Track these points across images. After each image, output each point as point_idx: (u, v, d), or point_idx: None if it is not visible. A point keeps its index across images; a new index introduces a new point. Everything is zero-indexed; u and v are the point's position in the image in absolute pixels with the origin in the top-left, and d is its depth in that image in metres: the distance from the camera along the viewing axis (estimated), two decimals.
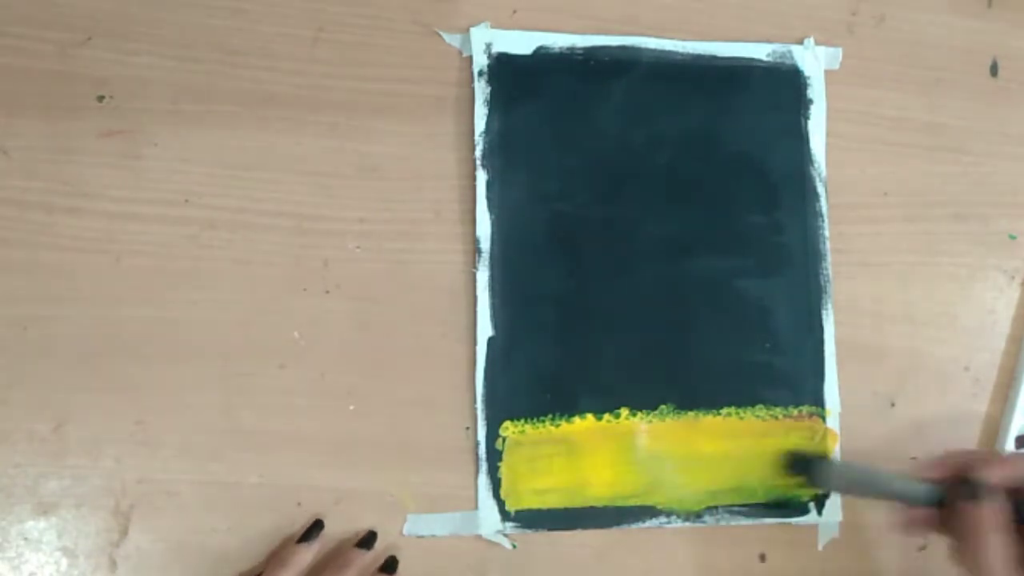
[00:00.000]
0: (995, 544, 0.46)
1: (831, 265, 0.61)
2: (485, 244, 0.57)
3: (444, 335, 0.57)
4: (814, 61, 0.62)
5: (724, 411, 0.58)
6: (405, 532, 0.55)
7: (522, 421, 0.56)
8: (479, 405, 0.56)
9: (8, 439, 0.52)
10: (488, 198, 0.57)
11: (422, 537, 0.55)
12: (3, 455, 0.52)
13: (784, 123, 0.61)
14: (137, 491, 0.53)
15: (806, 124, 0.62)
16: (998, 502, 0.47)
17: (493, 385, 0.56)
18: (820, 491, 0.58)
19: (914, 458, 0.60)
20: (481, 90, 0.58)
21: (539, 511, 0.56)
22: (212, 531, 0.53)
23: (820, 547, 0.59)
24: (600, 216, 0.59)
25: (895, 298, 0.62)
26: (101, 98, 0.55)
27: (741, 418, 0.58)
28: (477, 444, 0.56)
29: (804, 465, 0.57)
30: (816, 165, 0.61)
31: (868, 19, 0.64)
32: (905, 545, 0.60)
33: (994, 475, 0.48)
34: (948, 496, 0.50)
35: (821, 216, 0.61)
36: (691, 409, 0.58)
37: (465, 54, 0.59)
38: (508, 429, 0.56)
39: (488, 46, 0.58)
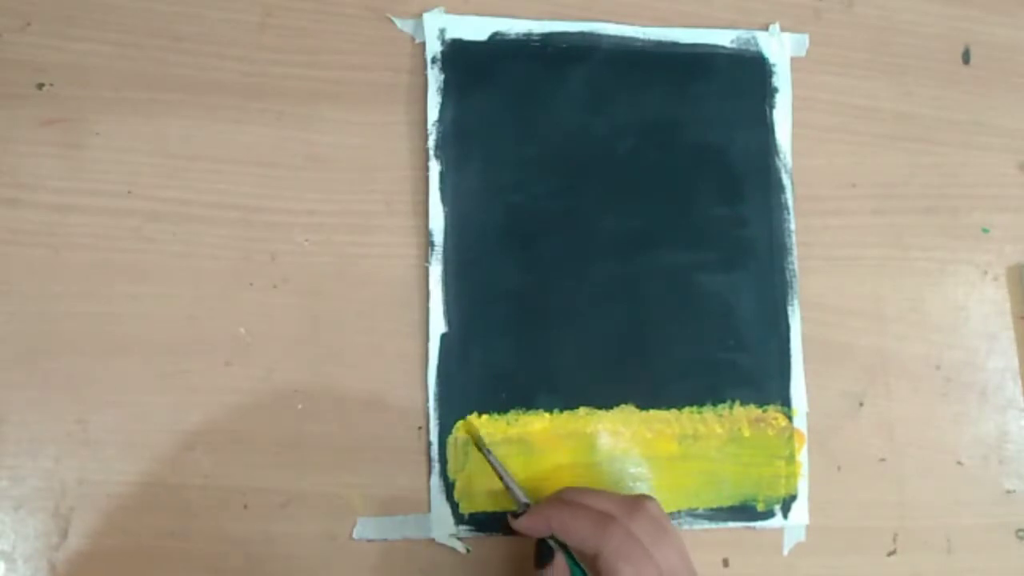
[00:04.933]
0: None
1: (797, 259, 0.65)
2: (438, 237, 0.61)
3: (396, 331, 0.60)
4: (779, 48, 0.66)
5: (686, 410, 0.62)
6: (355, 536, 0.58)
7: (477, 420, 0.60)
8: (432, 404, 0.59)
9: None
10: (441, 190, 0.61)
11: (373, 541, 0.58)
12: None
13: (749, 112, 0.66)
14: (77, 492, 0.56)
15: (771, 113, 0.66)
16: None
17: (446, 383, 0.60)
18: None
19: (883, 460, 0.65)
20: (434, 78, 0.62)
21: (494, 514, 0.59)
22: (155, 534, 0.56)
23: (785, 552, 0.63)
24: (558, 208, 0.62)
25: (863, 294, 0.66)
26: (41, 85, 0.59)
27: (704, 418, 0.62)
28: (430, 444, 0.59)
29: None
30: (782, 156, 0.66)
31: (836, 4, 0.68)
32: (872, 550, 0.64)
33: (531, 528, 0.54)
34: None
35: (787, 208, 0.65)
36: (652, 408, 0.62)
37: (418, 40, 0.62)
38: (462, 429, 0.60)
39: (442, 32, 0.62)
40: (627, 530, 0.50)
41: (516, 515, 0.55)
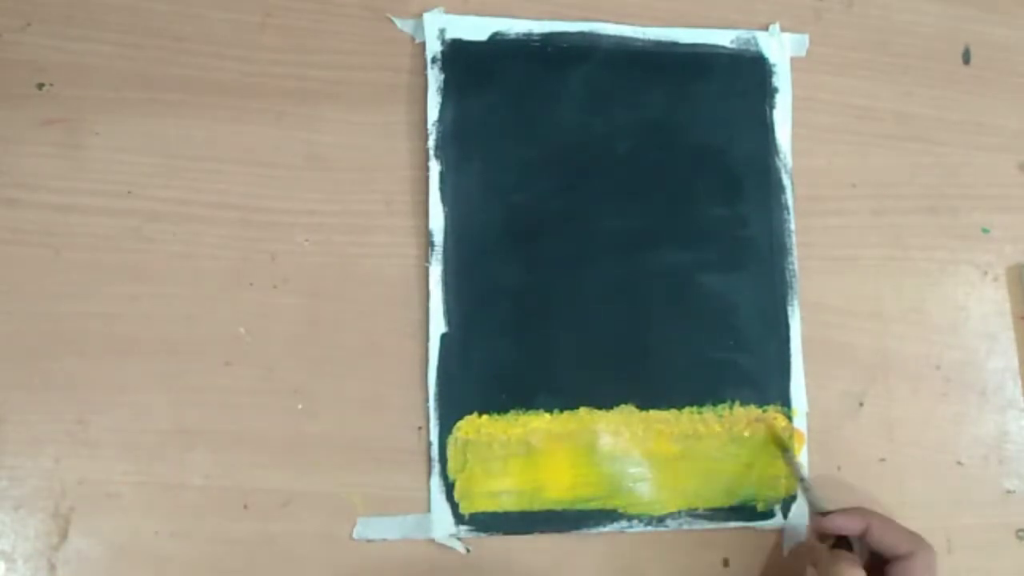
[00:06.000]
0: None
1: (797, 260, 0.66)
2: (438, 237, 0.62)
3: (396, 331, 0.61)
4: (779, 48, 0.67)
5: (687, 410, 0.63)
6: (355, 536, 0.59)
7: (477, 420, 0.61)
8: (432, 404, 0.60)
9: None
10: (441, 190, 0.62)
11: (372, 541, 0.59)
12: None
13: (749, 112, 0.67)
14: (77, 492, 0.56)
15: (771, 113, 0.67)
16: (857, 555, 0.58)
17: (446, 383, 0.61)
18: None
19: (883, 460, 0.65)
20: (434, 78, 0.63)
21: (494, 514, 0.60)
22: (155, 534, 0.57)
23: (785, 552, 0.63)
24: (558, 208, 0.63)
25: (863, 294, 0.67)
26: (41, 86, 0.59)
27: (704, 418, 0.63)
28: (430, 444, 0.60)
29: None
30: (782, 156, 0.66)
31: (836, 4, 0.69)
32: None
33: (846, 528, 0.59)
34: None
35: (787, 209, 0.66)
36: (652, 408, 0.63)
37: (418, 40, 0.63)
38: (462, 429, 0.60)
39: (442, 32, 0.63)
40: (933, 550, 0.57)
41: (823, 514, 0.59)
